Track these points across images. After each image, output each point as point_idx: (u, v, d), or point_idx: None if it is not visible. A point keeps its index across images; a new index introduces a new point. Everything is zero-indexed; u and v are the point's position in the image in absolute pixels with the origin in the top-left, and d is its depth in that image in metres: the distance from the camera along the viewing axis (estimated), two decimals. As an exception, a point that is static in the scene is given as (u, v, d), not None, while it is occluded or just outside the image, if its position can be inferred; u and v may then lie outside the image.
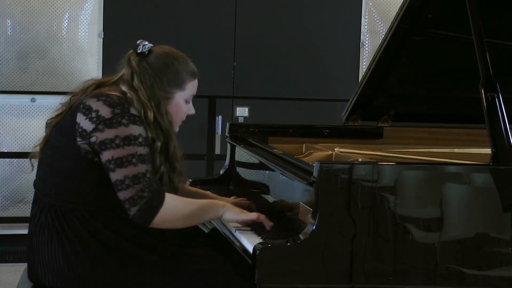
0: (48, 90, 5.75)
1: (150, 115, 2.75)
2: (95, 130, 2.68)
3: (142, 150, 2.68)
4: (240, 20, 6.20)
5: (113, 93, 2.78)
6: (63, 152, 2.76)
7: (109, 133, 2.66)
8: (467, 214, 2.72)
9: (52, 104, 5.70)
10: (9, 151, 5.78)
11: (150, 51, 2.85)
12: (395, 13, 3.52)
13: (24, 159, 5.72)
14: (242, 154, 3.60)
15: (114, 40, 5.86)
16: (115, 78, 2.87)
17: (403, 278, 2.66)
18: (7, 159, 5.78)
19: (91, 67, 5.82)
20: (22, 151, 5.73)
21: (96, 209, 2.76)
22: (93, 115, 2.69)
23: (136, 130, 2.68)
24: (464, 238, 2.70)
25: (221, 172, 3.77)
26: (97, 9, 5.85)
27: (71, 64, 5.80)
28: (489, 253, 2.70)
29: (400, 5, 3.48)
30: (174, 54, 2.87)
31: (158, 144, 2.77)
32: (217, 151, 5.85)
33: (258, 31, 6.24)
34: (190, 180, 3.71)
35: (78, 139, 2.71)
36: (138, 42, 2.87)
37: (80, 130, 2.70)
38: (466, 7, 3.00)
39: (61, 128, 2.79)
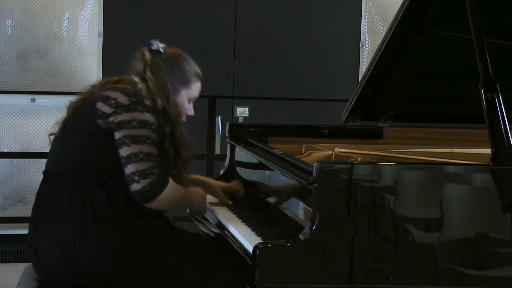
0: (48, 90, 5.75)
1: (160, 103, 2.96)
2: (114, 113, 2.89)
3: (155, 136, 2.91)
4: (240, 20, 6.20)
5: (128, 87, 3.00)
6: (84, 131, 2.93)
7: (126, 116, 2.88)
8: (467, 214, 2.72)
9: (52, 104, 5.75)
10: (9, 151, 5.77)
11: (163, 49, 3.08)
12: (395, 13, 3.52)
13: (24, 159, 5.72)
14: (242, 154, 3.60)
15: (114, 40, 5.87)
16: (129, 76, 3.06)
17: (403, 278, 2.66)
18: (7, 159, 5.77)
19: (91, 67, 5.82)
20: (22, 151, 5.73)
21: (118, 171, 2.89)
22: (112, 102, 2.91)
23: (150, 117, 2.91)
24: (464, 238, 2.70)
25: (221, 172, 3.77)
26: (97, 9, 5.85)
27: (71, 64, 5.79)
28: (489, 253, 2.70)
29: (400, 5, 3.49)
30: (184, 55, 3.12)
31: (168, 129, 2.97)
32: (217, 151, 5.85)
33: (258, 31, 6.24)
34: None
35: (98, 120, 2.89)
36: (152, 41, 3.09)
37: (99, 113, 2.91)
38: (466, 7, 3.00)
39: (81, 113, 2.97)
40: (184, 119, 3.11)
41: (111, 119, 2.88)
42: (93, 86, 3.07)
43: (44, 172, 3.02)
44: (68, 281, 2.87)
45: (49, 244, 2.87)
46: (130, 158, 2.85)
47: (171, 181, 2.91)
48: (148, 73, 3.00)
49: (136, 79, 3.00)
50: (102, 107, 2.90)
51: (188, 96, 3.08)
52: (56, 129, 3.04)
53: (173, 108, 3.00)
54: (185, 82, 3.06)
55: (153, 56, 3.04)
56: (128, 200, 2.89)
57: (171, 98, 3.01)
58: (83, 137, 2.93)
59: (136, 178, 2.84)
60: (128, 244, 2.86)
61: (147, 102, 2.93)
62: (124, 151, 2.86)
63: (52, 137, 3.06)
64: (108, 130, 2.88)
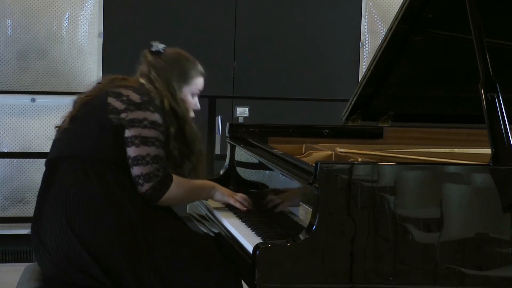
0: (48, 90, 5.75)
1: (166, 103, 3.06)
2: (126, 110, 2.96)
3: (162, 138, 2.99)
4: (240, 20, 6.20)
5: (138, 86, 3.08)
6: (96, 122, 2.99)
7: (138, 114, 2.95)
8: (467, 214, 2.72)
9: (52, 104, 5.75)
10: (9, 151, 5.77)
11: (163, 50, 3.18)
12: (395, 13, 3.52)
13: (24, 159, 5.72)
14: (242, 154, 3.60)
15: (114, 40, 5.87)
16: (136, 77, 3.15)
17: (403, 278, 2.66)
18: (7, 159, 5.77)
19: (91, 67, 5.82)
20: (22, 151, 5.73)
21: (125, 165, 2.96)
22: (124, 98, 2.99)
23: (159, 118, 2.99)
24: (464, 238, 2.70)
25: (221, 172, 3.77)
26: (97, 9, 5.85)
27: (71, 64, 5.80)
28: (489, 253, 2.70)
29: (400, 5, 3.48)
30: (184, 54, 3.22)
31: (172, 130, 3.06)
32: (217, 151, 5.85)
33: (258, 31, 6.24)
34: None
35: (110, 115, 2.96)
36: (152, 42, 3.20)
37: (111, 107, 2.97)
38: (466, 7, 3.00)
39: (91, 107, 3.04)
40: (192, 114, 3.19)
41: (123, 115, 2.95)
42: (99, 83, 3.15)
43: (48, 160, 3.05)
44: (70, 262, 2.86)
45: (53, 221, 2.89)
46: (137, 160, 2.93)
47: (175, 179, 2.99)
48: (153, 73, 3.11)
49: (142, 80, 3.10)
50: (114, 102, 2.97)
51: (190, 92, 3.18)
52: (61, 122, 3.09)
53: (181, 105, 3.11)
54: (187, 80, 3.15)
55: (155, 57, 3.15)
56: (133, 186, 2.96)
57: (177, 95, 3.11)
58: (92, 128, 2.99)
59: (140, 181, 2.93)
60: (131, 226, 2.88)
61: (157, 102, 3.02)
62: (132, 151, 2.94)
63: (57, 129, 3.10)
64: (119, 125, 2.95)
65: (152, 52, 3.16)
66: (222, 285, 2.93)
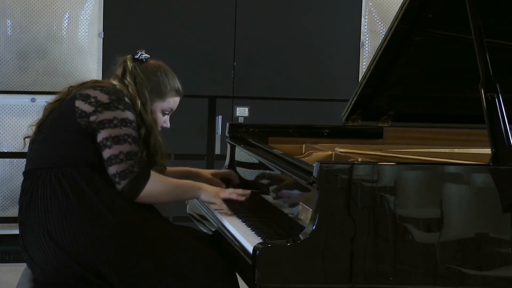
0: (48, 90, 5.75)
1: (139, 105, 3.00)
2: (94, 112, 2.91)
3: (135, 134, 2.95)
4: (240, 20, 6.20)
5: (108, 85, 3.04)
6: (64, 128, 2.95)
7: (107, 115, 2.91)
8: (467, 214, 2.72)
9: (52, 104, 5.73)
10: (9, 151, 5.77)
11: (146, 60, 3.12)
12: (395, 13, 3.52)
13: (24, 159, 5.70)
14: (242, 154, 3.60)
15: (114, 40, 5.87)
16: (108, 79, 3.11)
17: (403, 278, 2.66)
18: (7, 159, 5.78)
19: (91, 67, 5.83)
20: (22, 151, 5.72)
21: (98, 166, 2.93)
22: (92, 100, 2.93)
23: (130, 115, 2.94)
24: (464, 238, 2.70)
25: (221, 172, 3.76)
26: (97, 9, 5.85)
27: (71, 64, 5.80)
28: (489, 253, 2.70)
29: (400, 5, 3.49)
30: (165, 68, 3.15)
31: (142, 131, 3.01)
32: (217, 151, 5.85)
33: (258, 31, 6.24)
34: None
35: (78, 119, 2.92)
36: (138, 50, 3.14)
37: (79, 112, 2.93)
38: (466, 7, 3.00)
39: (59, 112, 3.01)
40: (159, 129, 3.13)
41: (92, 118, 2.90)
42: (71, 87, 3.10)
43: (24, 172, 3.03)
44: (62, 274, 2.86)
45: (36, 235, 2.88)
46: (111, 160, 2.89)
47: (154, 175, 2.94)
48: (128, 78, 3.05)
49: (115, 82, 3.05)
50: (82, 105, 2.93)
51: (161, 108, 3.11)
52: (31, 131, 3.07)
53: (149, 114, 3.04)
54: (160, 94, 3.09)
55: (135, 64, 3.09)
56: (112, 189, 2.91)
57: (148, 105, 3.05)
58: (62, 134, 2.95)
59: (117, 179, 2.89)
60: (111, 229, 2.86)
61: (127, 99, 2.96)
62: (106, 153, 2.90)
63: (27, 140, 3.09)
64: (88, 129, 2.90)
65: (134, 59, 3.10)
66: (215, 283, 2.92)
